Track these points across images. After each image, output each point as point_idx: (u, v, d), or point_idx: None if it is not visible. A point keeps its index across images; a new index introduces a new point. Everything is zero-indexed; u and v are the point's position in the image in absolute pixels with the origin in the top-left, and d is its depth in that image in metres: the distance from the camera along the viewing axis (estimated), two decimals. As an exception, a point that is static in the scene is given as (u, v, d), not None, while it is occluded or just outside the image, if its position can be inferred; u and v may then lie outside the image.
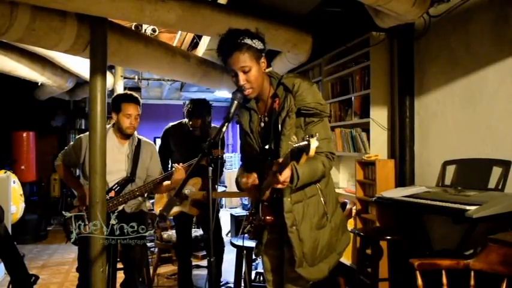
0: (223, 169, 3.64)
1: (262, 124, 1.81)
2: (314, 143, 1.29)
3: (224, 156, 3.56)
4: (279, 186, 1.56)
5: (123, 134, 2.66)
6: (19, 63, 4.24)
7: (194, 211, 3.17)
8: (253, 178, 1.77)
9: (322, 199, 1.76)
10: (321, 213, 1.75)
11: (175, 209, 3.16)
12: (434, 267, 1.95)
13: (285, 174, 1.51)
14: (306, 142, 1.30)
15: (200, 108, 3.26)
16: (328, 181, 1.82)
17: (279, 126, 1.68)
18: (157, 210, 3.23)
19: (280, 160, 1.52)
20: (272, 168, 1.55)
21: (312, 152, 1.29)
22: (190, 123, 3.27)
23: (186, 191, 3.08)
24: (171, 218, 3.57)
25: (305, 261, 1.70)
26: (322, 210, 1.76)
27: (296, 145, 1.34)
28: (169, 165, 3.28)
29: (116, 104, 2.63)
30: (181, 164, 2.68)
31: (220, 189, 5.52)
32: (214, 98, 6.87)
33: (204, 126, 3.26)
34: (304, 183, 1.62)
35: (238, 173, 1.96)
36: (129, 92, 2.74)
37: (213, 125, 3.38)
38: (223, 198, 6.02)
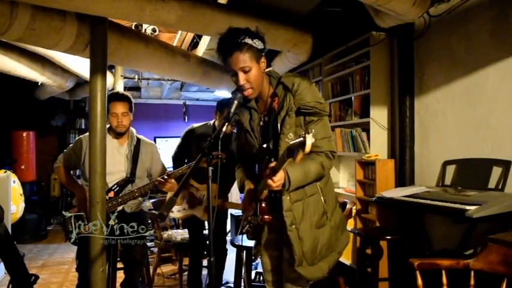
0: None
1: (262, 123, 1.81)
2: (310, 140, 1.29)
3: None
4: (273, 189, 1.59)
5: (117, 134, 2.67)
6: (19, 63, 4.23)
7: (207, 217, 3.12)
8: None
9: (322, 198, 1.76)
10: (321, 212, 1.75)
11: (188, 212, 3.13)
12: (434, 267, 1.95)
13: (278, 178, 1.54)
14: (301, 139, 1.30)
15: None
16: (328, 180, 1.83)
17: (278, 125, 1.68)
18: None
19: (272, 164, 1.53)
20: (267, 171, 1.56)
21: (307, 148, 1.29)
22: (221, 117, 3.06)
23: (201, 196, 3.05)
24: (183, 219, 3.54)
25: (305, 260, 1.70)
26: (322, 209, 1.76)
27: (292, 142, 1.34)
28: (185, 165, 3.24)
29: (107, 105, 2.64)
30: (168, 172, 2.64)
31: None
32: (214, 97, 6.86)
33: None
34: (296, 187, 1.64)
35: (240, 175, 1.96)
36: (115, 91, 2.74)
37: None
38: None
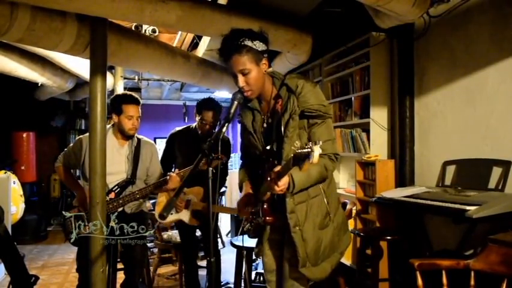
0: (226, 177, 3.53)
1: (265, 125, 1.81)
2: (317, 150, 1.27)
3: (229, 161, 3.49)
4: (277, 193, 1.59)
5: (124, 136, 2.65)
6: (19, 64, 4.24)
7: (194, 222, 3.06)
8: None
9: (325, 199, 1.77)
10: (324, 213, 1.76)
11: (175, 217, 3.08)
12: (434, 267, 1.95)
13: (282, 182, 1.53)
14: (309, 149, 1.28)
15: (211, 101, 3.14)
16: (331, 181, 1.83)
17: (282, 128, 1.68)
18: (158, 211, 3.17)
19: (277, 169, 1.53)
20: (270, 175, 1.55)
21: (315, 159, 1.28)
22: (199, 118, 3.08)
23: (189, 198, 3.03)
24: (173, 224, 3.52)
25: (308, 261, 1.71)
26: (325, 210, 1.76)
27: (299, 151, 1.32)
28: (173, 170, 3.23)
29: (116, 105, 2.61)
30: (176, 170, 2.65)
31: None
32: (214, 98, 6.86)
33: (214, 123, 3.07)
34: (300, 189, 1.64)
35: (241, 176, 1.96)
36: (129, 93, 2.72)
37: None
38: (224, 197, 5.99)
